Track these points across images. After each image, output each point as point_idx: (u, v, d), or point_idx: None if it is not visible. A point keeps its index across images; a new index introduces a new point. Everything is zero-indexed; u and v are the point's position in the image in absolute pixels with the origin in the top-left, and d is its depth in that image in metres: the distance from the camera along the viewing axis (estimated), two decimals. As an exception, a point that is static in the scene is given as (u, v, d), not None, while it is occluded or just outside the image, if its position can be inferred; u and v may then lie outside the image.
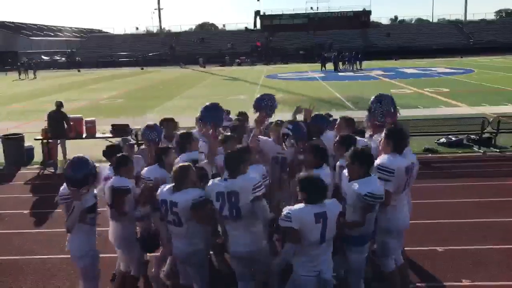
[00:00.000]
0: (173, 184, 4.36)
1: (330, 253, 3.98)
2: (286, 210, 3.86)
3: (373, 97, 5.72)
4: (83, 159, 4.50)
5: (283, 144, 5.56)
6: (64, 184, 4.52)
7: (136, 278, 5.19)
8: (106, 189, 4.86)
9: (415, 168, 4.75)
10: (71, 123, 11.55)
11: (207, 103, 6.20)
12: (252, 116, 6.77)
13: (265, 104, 6.45)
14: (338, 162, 4.97)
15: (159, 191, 4.49)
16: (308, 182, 3.88)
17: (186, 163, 4.49)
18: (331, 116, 6.64)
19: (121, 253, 5.14)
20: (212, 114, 6.02)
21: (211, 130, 5.81)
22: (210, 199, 4.25)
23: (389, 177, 4.36)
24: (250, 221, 4.20)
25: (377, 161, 4.46)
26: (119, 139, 6.60)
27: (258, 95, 6.68)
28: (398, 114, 5.60)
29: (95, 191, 4.68)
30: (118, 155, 5.09)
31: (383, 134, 4.67)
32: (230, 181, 4.17)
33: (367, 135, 5.81)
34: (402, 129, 4.73)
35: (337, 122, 5.98)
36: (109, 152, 5.49)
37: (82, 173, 4.37)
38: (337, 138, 5.12)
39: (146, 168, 5.29)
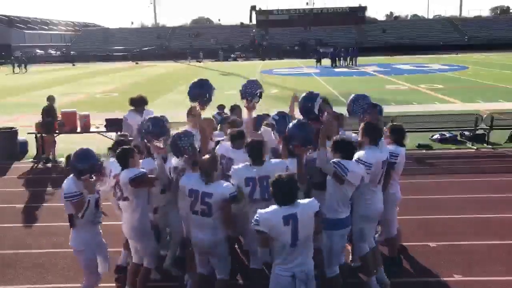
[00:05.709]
0: (201, 174, 4.48)
1: (307, 253, 3.86)
2: (257, 213, 3.80)
3: (351, 97, 5.72)
4: (87, 149, 4.57)
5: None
6: (68, 181, 4.49)
7: (149, 270, 5.13)
8: (122, 184, 4.77)
9: (399, 160, 5.25)
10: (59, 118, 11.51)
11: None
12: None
13: (248, 92, 6.24)
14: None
15: (183, 181, 4.61)
16: (274, 185, 3.80)
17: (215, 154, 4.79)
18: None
19: (135, 244, 5.07)
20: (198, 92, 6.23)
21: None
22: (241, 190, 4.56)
23: (367, 170, 4.73)
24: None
25: (357, 155, 4.79)
26: (113, 133, 6.49)
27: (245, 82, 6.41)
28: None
29: (99, 187, 4.68)
30: (119, 150, 4.92)
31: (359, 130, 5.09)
32: (258, 167, 4.59)
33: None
34: (375, 124, 5.12)
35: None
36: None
37: (88, 162, 4.41)
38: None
39: (141, 161, 5.17)
